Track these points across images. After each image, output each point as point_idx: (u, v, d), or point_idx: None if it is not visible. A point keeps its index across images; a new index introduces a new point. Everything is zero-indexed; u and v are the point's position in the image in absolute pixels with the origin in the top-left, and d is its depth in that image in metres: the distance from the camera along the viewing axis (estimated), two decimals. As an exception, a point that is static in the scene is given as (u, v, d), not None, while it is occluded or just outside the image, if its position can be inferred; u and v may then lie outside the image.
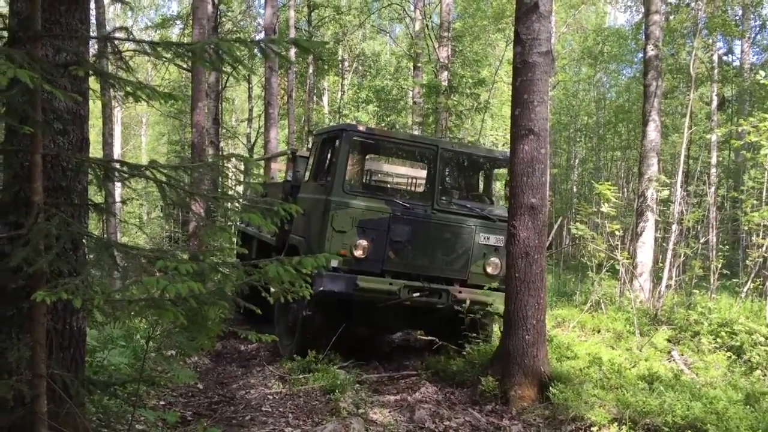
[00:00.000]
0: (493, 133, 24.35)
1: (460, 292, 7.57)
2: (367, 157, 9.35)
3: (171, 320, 2.85)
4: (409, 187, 9.78)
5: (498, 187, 9.06)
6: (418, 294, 7.41)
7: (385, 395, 6.67)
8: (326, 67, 26.03)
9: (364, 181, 9.04)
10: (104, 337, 6.18)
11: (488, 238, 7.74)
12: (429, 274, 7.59)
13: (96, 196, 4.15)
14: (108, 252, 3.07)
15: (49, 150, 3.25)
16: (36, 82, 2.64)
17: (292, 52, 18.67)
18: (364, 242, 7.30)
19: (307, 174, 8.37)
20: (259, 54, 3.37)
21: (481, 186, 8.94)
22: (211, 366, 7.69)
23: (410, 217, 7.48)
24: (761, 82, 11.16)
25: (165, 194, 3.37)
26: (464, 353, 7.51)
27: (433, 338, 7.89)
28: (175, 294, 2.66)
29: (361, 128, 7.87)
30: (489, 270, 7.77)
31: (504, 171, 8.81)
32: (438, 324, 8.25)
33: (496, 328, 8.25)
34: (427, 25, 19.40)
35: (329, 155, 7.83)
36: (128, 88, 3.25)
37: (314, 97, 26.83)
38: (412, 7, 21.04)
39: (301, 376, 6.92)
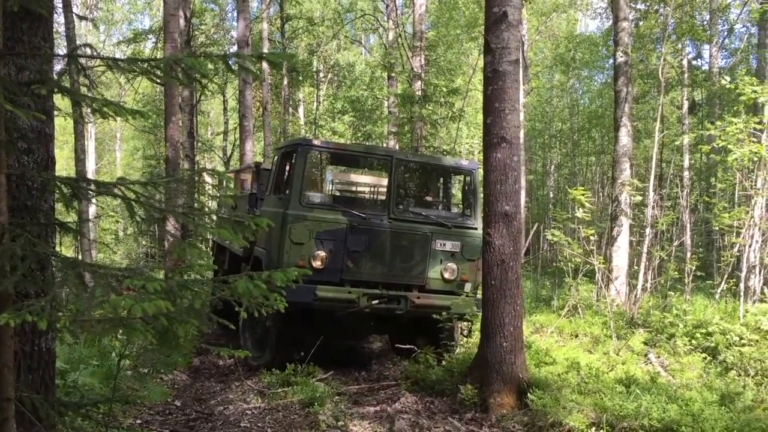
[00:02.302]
0: (468, 141, 24.48)
1: (418, 297, 7.79)
2: (329, 167, 9.49)
3: (140, 339, 2.82)
4: (372, 195, 9.99)
5: (456, 194, 9.32)
6: (376, 301, 7.63)
7: (365, 406, 6.65)
8: (301, 78, 26.02)
9: (325, 191, 9.18)
10: (77, 357, 6.09)
11: (444, 244, 7.94)
12: (388, 282, 7.79)
13: (71, 214, 4.10)
14: (75, 272, 3.02)
15: (13, 169, 3.21)
16: (-3, 101, 2.61)
17: (266, 64, 18.62)
18: (322, 253, 7.51)
19: (269, 187, 8.53)
20: (225, 68, 3.35)
21: (439, 193, 9.15)
22: (188, 382, 7.60)
23: (367, 227, 7.68)
24: (727, 86, 11.34)
25: (133, 211, 3.34)
26: (443, 362, 7.58)
27: (412, 347, 7.98)
28: (143, 313, 2.64)
29: (316, 142, 8.13)
30: (446, 275, 7.98)
31: (461, 178, 9.02)
32: (401, 328, 8.57)
33: (476, 336, 8.29)
34: (400, 35, 19.47)
35: (287, 169, 8.04)
36: (94, 105, 3.23)
37: (290, 108, 26.80)
38: (386, 18, 21.12)
39: (280, 390, 6.87)
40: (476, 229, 8.14)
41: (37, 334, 3.33)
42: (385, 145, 21.71)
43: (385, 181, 9.03)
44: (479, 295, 8.04)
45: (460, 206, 8.95)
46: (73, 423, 4.04)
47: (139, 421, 5.69)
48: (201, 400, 6.75)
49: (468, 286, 8.07)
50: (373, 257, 7.71)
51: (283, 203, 7.67)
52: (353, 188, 10.34)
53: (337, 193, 9.70)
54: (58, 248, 4.01)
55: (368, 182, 10.26)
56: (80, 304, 2.97)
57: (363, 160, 8.96)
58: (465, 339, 8.76)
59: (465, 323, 8.44)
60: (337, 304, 7.53)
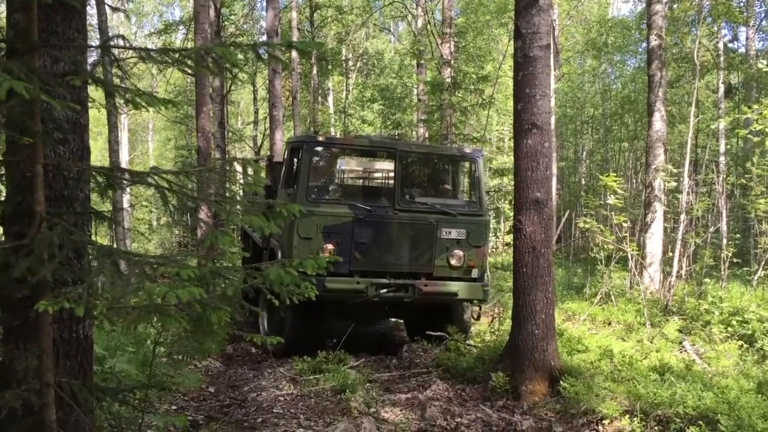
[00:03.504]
0: (498, 128, 24.28)
1: (425, 285, 7.99)
2: (339, 158, 9.70)
3: (175, 326, 2.86)
4: (384, 182, 10.16)
5: (461, 182, 9.48)
6: (384, 290, 7.85)
7: (396, 393, 6.67)
8: (330, 67, 26.03)
9: (334, 184, 9.40)
10: (114, 345, 6.21)
11: (450, 232, 8.11)
12: (395, 271, 7.99)
13: (106, 203, 4.17)
14: (111, 259, 3.07)
15: (50, 160, 3.26)
16: (33, 92, 2.65)
17: (295, 53, 18.67)
18: (330, 246, 7.70)
19: (281, 181, 8.79)
20: (255, 57, 3.37)
21: (444, 182, 9.28)
22: (222, 369, 7.71)
23: (373, 219, 7.88)
24: (764, 69, 11.07)
25: (167, 200, 3.38)
26: (474, 348, 7.63)
27: (443, 334, 8.06)
28: (176, 299, 2.68)
29: (320, 138, 8.50)
30: (453, 262, 8.14)
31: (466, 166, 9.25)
32: (413, 314, 8.95)
33: (507, 323, 8.28)
34: (429, 22, 19.35)
35: (295, 164, 8.26)
36: (128, 96, 3.27)
37: (319, 97, 26.85)
38: (414, 4, 21.00)
39: (311, 377, 6.94)
40: (481, 216, 8.40)
41: (74, 321, 3.39)
42: (414, 133, 21.66)
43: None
44: (486, 280, 8.46)
45: (466, 194, 9.08)
46: (111, 408, 4.12)
47: (174, 407, 5.79)
48: (234, 387, 6.84)
49: (475, 272, 8.24)
50: (380, 248, 7.92)
51: (291, 198, 7.85)
52: (363, 178, 10.57)
53: (347, 184, 9.86)
54: (93, 237, 4.08)
55: (380, 169, 10.40)
56: (116, 291, 3.03)
57: (368, 152, 9.31)
58: (475, 322, 9.08)
59: (475, 308, 8.75)
60: (346, 294, 7.75)
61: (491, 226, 24.17)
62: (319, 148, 8.46)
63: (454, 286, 8.09)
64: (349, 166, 10.46)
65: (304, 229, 7.63)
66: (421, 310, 8.72)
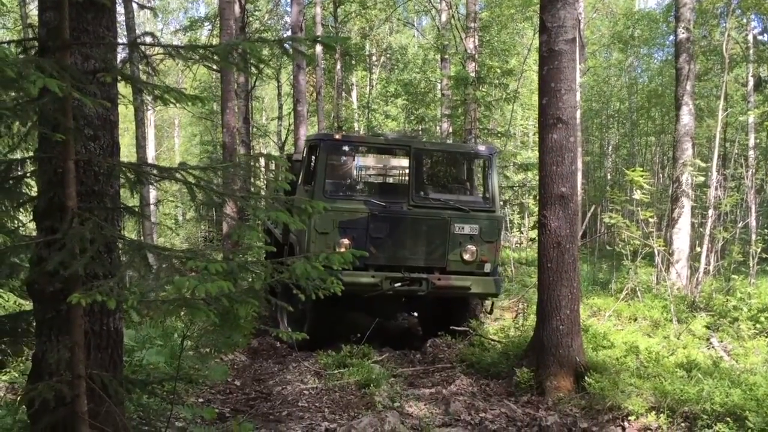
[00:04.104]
0: (523, 122, 24.09)
1: (438, 279, 8.15)
2: (356, 155, 9.93)
3: (203, 319, 2.90)
4: (400, 178, 10.35)
5: (478, 178, 9.57)
6: (399, 284, 8.00)
7: (420, 388, 6.69)
8: (354, 62, 26.01)
9: (351, 180, 9.53)
10: (142, 337, 6.30)
11: (463, 228, 8.26)
12: (409, 265, 8.14)
13: (131, 199, 4.25)
14: (140, 254, 3.12)
15: (81, 155, 3.31)
16: (65, 90, 2.70)
17: (319, 48, 18.71)
18: (345, 241, 7.88)
19: (300, 178, 8.97)
20: (281, 53, 3.39)
21: (458, 179, 9.43)
22: (247, 363, 7.78)
23: (387, 215, 8.04)
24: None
25: (194, 195, 3.43)
26: (498, 344, 7.61)
27: (466, 329, 8.11)
28: (205, 293, 2.72)
29: (337, 137, 8.58)
30: (466, 257, 8.28)
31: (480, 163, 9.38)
32: (427, 307, 9.25)
33: (532, 319, 8.26)
34: (453, 16, 19.27)
35: (313, 161, 8.46)
36: (156, 92, 3.31)
37: (343, 92, 26.86)
38: (438, -1, 20.93)
39: (336, 371, 6.98)
40: (494, 212, 8.54)
41: (105, 314, 3.45)
42: (438, 128, 21.62)
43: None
44: (498, 275, 8.67)
45: (480, 190, 9.22)
46: (140, 400, 4.20)
47: (201, 400, 5.87)
48: (260, 380, 6.90)
49: (488, 267, 8.39)
50: (395, 243, 8.07)
51: (309, 195, 8.02)
52: (379, 175, 10.71)
53: (363, 181, 9.96)
54: (122, 232, 4.15)
55: (395, 166, 10.50)
56: (145, 285, 3.07)
57: (383, 149, 9.56)
58: (487, 316, 9.31)
59: (487, 301, 8.93)
60: (362, 287, 7.87)
61: (515, 221, 24.10)
62: (336, 146, 8.64)
63: (467, 281, 8.25)
64: (365, 163, 10.58)
65: (320, 224, 7.81)
66: (435, 305, 8.98)
